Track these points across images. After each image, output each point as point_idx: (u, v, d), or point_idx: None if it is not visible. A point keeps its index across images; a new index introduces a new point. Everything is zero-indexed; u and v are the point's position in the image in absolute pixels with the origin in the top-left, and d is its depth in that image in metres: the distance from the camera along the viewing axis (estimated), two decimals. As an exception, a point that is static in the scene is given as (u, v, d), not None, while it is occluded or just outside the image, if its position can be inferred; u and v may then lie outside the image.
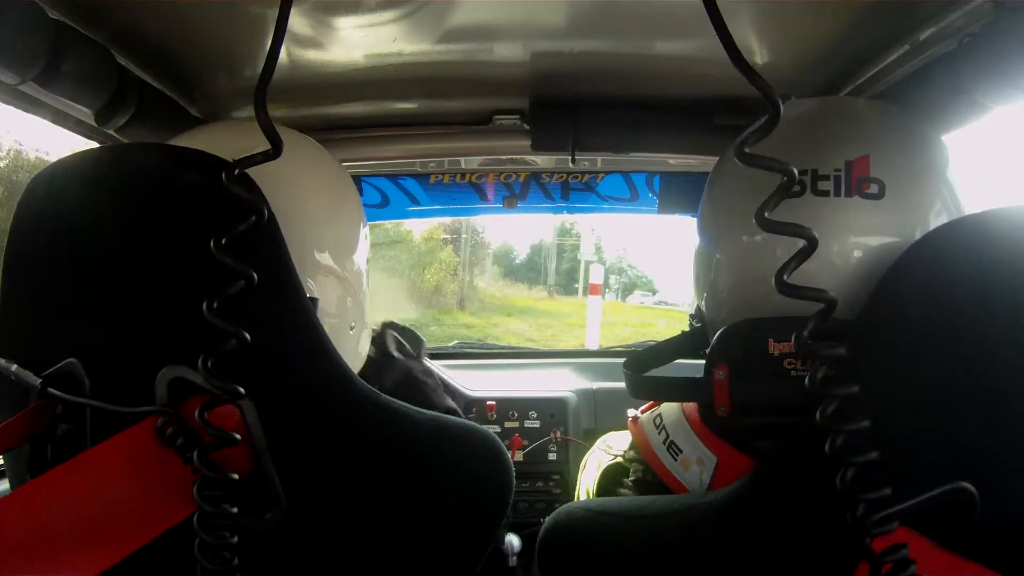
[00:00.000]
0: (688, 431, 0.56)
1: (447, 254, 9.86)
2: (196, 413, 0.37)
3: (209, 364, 0.36)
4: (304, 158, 0.57)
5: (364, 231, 0.61)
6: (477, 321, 8.95)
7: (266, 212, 0.38)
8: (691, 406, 0.58)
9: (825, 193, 0.48)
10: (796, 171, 0.33)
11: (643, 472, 0.60)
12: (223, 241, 0.36)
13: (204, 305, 0.36)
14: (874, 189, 0.48)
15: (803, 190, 0.49)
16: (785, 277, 0.34)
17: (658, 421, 0.60)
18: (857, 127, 0.52)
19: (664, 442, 0.57)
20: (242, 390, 0.37)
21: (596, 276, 8.21)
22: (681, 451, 0.55)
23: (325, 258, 0.54)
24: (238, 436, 0.38)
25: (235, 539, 0.37)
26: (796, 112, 0.56)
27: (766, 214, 0.34)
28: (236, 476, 0.38)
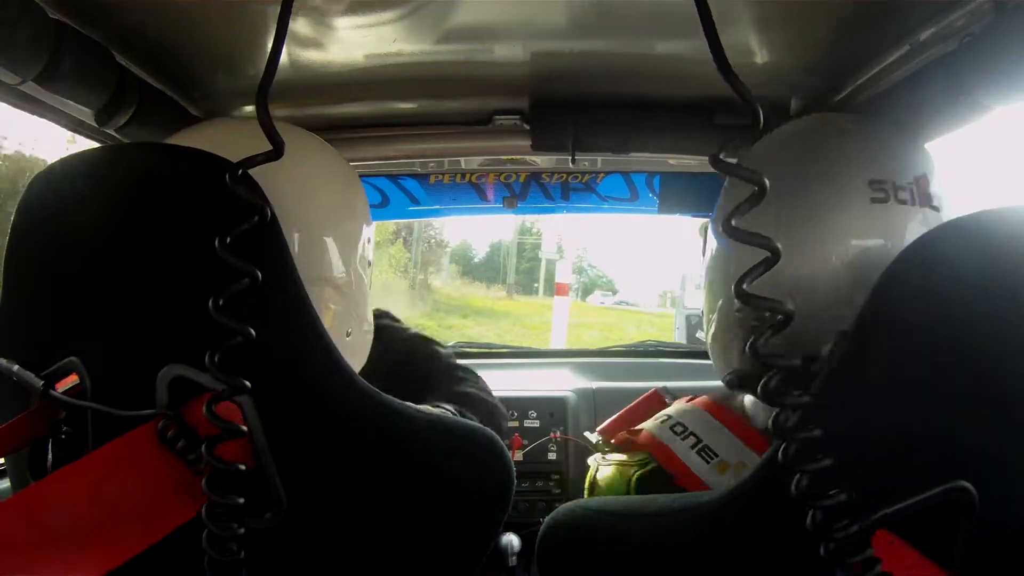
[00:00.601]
0: (726, 434, 0.58)
1: (397, 249, 9.41)
2: (204, 407, 0.37)
3: (216, 359, 0.36)
4: (310, 155, 0.57)
5: (369, 229, 0.61)
6: (429, 323, 8.32)
7: (269, 212, 0.38)
8: (717, 408, 0.59)
9: (904, 202, 0.53)
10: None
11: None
12: (227, 240, 0.36)
13: (210, 303, 0.36)
14: (936, 203, 0.54)
15: (887, 197, 0.53)
16: (745, 286, 0.34)
17: (679, 429, 0.60)
18: (914, 149, 0.58)
19: (694, 447, 0.58)
20: (247, 384, 0.37)
21: (563, 275, 7.56)
22: (716, 455, 0.56)
23: (330, 256, 0.54)
24: (244, 427, 0.38)
25: (242, 531, 0.38)
26: (859, 125, 0.60)
27: (733, 222, 0.34)
28: (243, 467, 0.38)
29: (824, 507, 0.35)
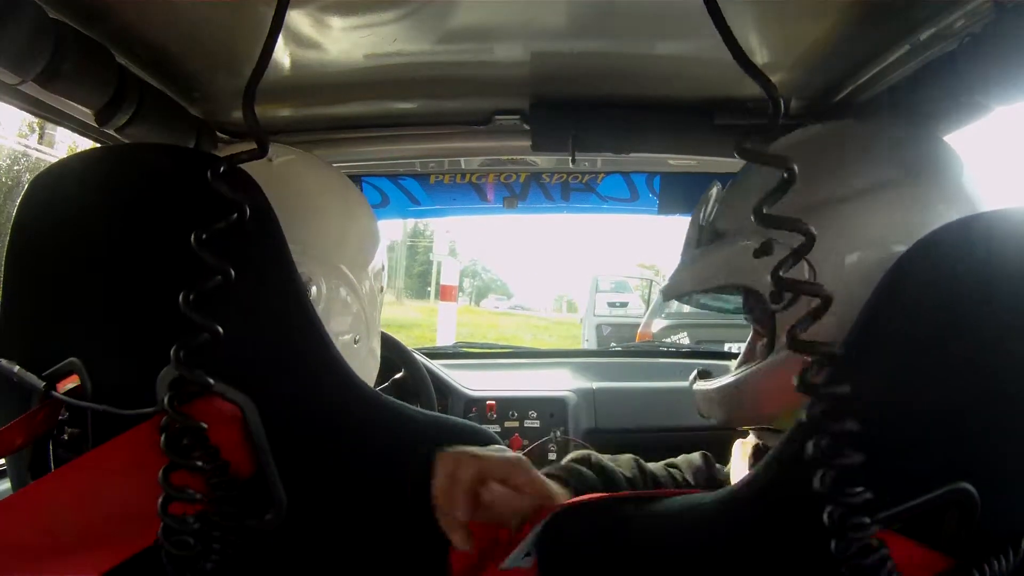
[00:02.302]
0: None
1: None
2: (165, 400, 0.37)
3: (180, 355, 0.36)
4: (322, 178, 0.60)
5: (379, 248, 0.63)
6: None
7: (257, 210, 0.38)
8: None
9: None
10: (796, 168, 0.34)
11: None
12: (203, 236, 0.37)
13: (180, 297, 0.36)
14: None
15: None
16: (782, 272, 0.34)
17: None
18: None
19: None
20: (211, 381, 0.38)
21: (449, 275, 7.01)
22: None
23: (336, 268, 0.56)
24: (204, 424, 0.38)
25: (197, 525, 0.38)
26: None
27: (765, 209, 0.34)
28: (202, 464, 0.38)
29: (845, 503, 0.34)
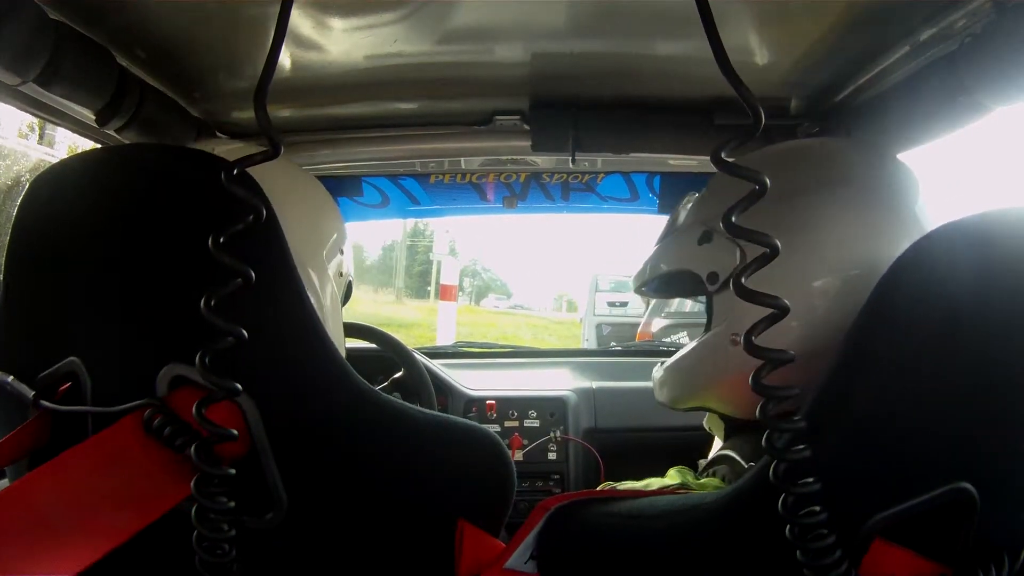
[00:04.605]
0: None
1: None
2: (193, 409, 0.37)
3: (207, 360, 0.36)
4: (284, 170, 0.58)
5: (342, 249, 0.61)
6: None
7: (264, 212, 0.38)
8: None
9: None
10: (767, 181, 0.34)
11: None
12: (220, 240, 0.37)
13: (202, 303, 0.36)
14: None
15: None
16: (744, 280, 0.34)
17: None
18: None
19: None
20: (239, 386, 0.37)
21: (449, 275, 6.89)
22: None
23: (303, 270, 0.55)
24: (235, 432, 0.38)
25: (232, 532, 0.38)
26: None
27: (733, 218, 0.34)
28: (234, 471, 0.38)
29: (804, 523, 0.35)
